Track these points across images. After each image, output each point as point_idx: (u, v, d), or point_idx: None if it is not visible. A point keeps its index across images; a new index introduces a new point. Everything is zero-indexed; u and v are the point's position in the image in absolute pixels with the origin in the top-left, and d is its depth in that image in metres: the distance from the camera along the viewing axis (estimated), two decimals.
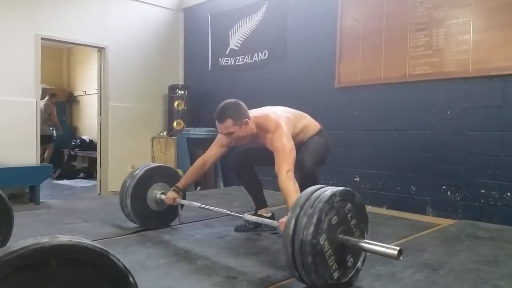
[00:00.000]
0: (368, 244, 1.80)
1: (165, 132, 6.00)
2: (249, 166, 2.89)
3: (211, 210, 2.63)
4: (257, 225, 2.89)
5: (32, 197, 4.88)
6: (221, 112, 2.43)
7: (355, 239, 1.82)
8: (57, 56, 8.60)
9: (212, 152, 2.76)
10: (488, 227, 3.03)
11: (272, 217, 2.93)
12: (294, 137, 2.54)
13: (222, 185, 5.45)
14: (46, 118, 6.90)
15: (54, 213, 3.70)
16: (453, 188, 3.43)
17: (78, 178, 7.19)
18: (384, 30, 3.85)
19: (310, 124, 2.79)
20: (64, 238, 1.04)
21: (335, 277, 1.78)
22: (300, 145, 2.62)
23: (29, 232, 2.75)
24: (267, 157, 2.60)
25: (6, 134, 4.69)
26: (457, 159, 3.41)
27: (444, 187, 3.48)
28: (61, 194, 5.66)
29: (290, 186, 2.20)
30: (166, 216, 2.91)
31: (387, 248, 1.74)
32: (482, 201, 3.26)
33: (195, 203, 2.73)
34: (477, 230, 2.95)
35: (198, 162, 2.79)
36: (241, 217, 2.48)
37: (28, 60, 4.90)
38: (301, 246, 1.68)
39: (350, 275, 1.86)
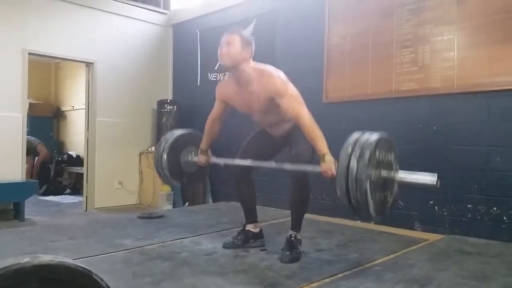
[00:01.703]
0: (407, 175, 2.22)
1: (153, 147, 5.96)
2: (248, 176, 2.86)
3: (260, 165, 2.77)
4: (245, 241, 2.86)
5: (16, 213, 4.79)
6: (237, 28, 2.66)
7: (395, 172, 2.21)
8: (45, 71, 8.55)
9: (216, 110, 2.85)
10: (475, 242, 3.04)
11: (260, 233, 2.91)
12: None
13: (210, 200, 5.41)
14: (30, 149, 6.36)
15: (39, 230, 3.62)
16: (440, 203, 3.45)
17: (65, 194, 7.08)
18: (370, 47, 3.90)
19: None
20: (45, 258, 1.02)
21: (380, 204, 2.16)
22: (289, 130, 2.66)
23: (13, 250, 2.69)
24: (268, 151, 2.74)
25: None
26: (443, 174, 3.42)
27: (431, 202, 3.50)
28: (47, 211, 5.57)
29: (317, 131, 2.41)
30: (197, 176, 3.21)
31: (425, 178, 2.15)
32: (469, 216, 3.29)
33: (228, 160, 2.88)
34: (465, 245, 2.96)
35: (208, 123, 2.90)
36: (282, 168, 2.53)
37: (15, 75, 4.87)
38: (354, 182, 2.02)
39: (390, 202, 2.26)
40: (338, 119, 4.17)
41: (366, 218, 2.13)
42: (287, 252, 2.50)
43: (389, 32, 3.78)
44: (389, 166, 2.21)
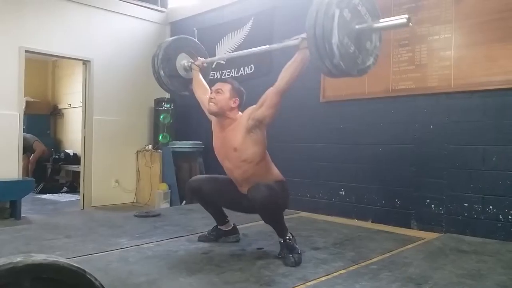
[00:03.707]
0: (380, 23, 2.14)
1: (150, 146, 5.96)
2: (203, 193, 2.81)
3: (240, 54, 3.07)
4: (218, 237, 2.93)
5: (13, 212, 4.78)
6: (231, 79, 2.72)
7: (369, 23, 2.11)
8: (42, 69, 8.52)
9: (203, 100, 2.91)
10: (471, 241, 3.05)
11: (232, 229, 2.97)
12: (256, 163, 2.57)
13: None
14: (26, 147, 6.05)
15: (35, 229, 3.61)
16: (436, 201, 3.45)
17: (61, 192, 7.06)
18: None
19: (275, 169, 2.70)
20: (38, 257, 1.01)
21: (360, 63, 2.14)
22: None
23: (8, 248, 2.68)
24: (231, 199, 2.71)
25: None
26: (440, 172, 3.45)
27: (428, 200, 3.50)
28: (43, 209, 5.55)
29: (287, 72, 2.43)
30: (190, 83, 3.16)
31: (395, 19, 2.10)
32: (466, 214, 3.29)
33: (222, 56, 3.06)
34: (461, 243, 2.97)
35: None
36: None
37: (11, 72, 4.85)
38: (326, 48, 1.96)
39: (373, 58, 2.24)
40: (335, 118, 4.18)
41: (334, 69, 2.04)
42: (290, 255, 2.45)
43: (386, 31, 3.76)
44: (362, 19, 2.12)
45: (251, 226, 3.39)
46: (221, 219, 2.95)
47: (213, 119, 2.76)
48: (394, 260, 2.54)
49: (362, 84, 3.92)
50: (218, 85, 2.66)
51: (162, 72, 3.08)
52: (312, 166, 4.33)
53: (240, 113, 2.65)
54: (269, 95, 2.49)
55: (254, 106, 2.55)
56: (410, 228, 3.54)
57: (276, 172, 2.68)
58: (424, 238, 3.15)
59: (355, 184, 3.98)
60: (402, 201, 3.66)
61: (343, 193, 4.05)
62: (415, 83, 3.60)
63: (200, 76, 3.08)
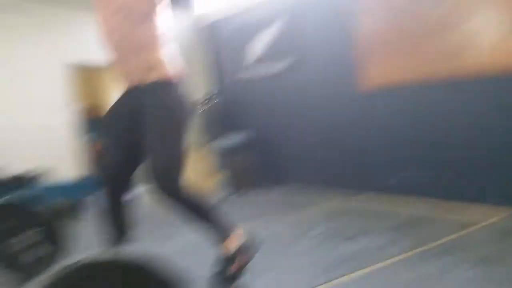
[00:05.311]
0: None
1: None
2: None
3: None
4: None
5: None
6: None
7: None
8: (94, 76, 8.87)
9: None
10: None
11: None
12: (139, 17, 1.85)
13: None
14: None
15: None
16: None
17: None
18: (405, 30, 3.53)
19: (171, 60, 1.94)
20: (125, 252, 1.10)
21: None
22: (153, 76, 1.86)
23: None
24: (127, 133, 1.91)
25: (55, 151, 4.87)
26: None
27: (504, 176, 3.08)
28: None
29: None
30: None
31: None
32: None
33: None
34: None
35: None
36: None
37: (65, 83, 5.12)
38: None
39: None
40: (378, 109, 3.89)
41: None
42: None
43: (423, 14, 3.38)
44: None
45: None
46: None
47: None
48: (465, 240, 2.41)
49: (409, 69, 3.50)
50: None
51: None
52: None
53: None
54: None
55: None
56: (484, 204, 3.12)
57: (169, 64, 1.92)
58: (499, 216, 2.85)
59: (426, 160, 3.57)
60: (476, 180, 3.25)
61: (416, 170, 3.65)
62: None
63: None
